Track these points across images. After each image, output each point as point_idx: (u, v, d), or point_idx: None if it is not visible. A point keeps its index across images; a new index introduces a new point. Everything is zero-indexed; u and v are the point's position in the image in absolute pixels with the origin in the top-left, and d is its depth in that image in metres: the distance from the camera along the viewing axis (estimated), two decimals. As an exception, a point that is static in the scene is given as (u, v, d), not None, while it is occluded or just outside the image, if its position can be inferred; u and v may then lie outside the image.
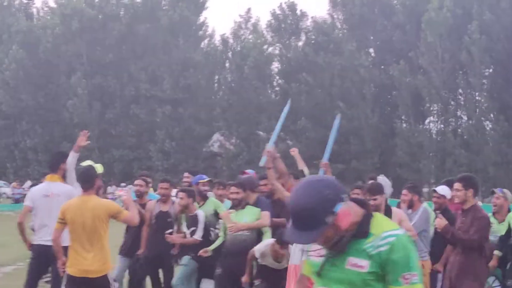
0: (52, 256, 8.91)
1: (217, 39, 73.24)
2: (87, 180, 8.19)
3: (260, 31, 71.02)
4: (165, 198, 11.45)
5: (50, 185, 9.60)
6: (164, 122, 65.55)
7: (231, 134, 65.51)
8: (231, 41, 71.85)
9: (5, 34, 70.82)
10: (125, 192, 9.62)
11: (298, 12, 70.39)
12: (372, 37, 69.90)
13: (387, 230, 3.88)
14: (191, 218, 10.76)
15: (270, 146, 10.15)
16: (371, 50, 70.62)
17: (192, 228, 10.67)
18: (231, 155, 63.98)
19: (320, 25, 68.41)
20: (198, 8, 71.33)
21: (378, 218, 3.96)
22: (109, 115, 67.85)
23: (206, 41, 73.33)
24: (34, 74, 68.00)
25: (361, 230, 3.88)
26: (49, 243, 8.87)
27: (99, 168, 8.79)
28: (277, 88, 69.79)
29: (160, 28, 67.99)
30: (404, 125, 65.34)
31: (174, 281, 10.78)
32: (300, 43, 69.68)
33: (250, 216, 9.93)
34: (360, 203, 3.98)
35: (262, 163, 10.05)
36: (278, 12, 70.24)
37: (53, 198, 9.32)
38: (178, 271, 11.12)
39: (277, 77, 70.37)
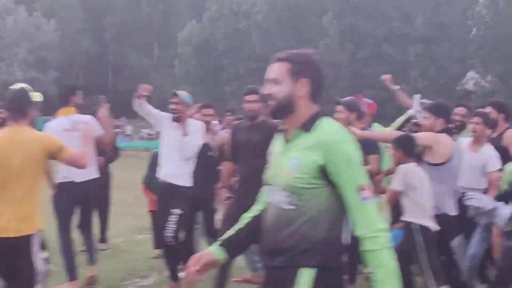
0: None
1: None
2: (17, 106, 5.97)
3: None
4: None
5: (68, 119, 8.28)
6: (416, 61, 64.73)
7: (486, 71, 63.45)
8: (486, -26, 69.22)
9: (257, -23, 72.59)
10: (85, 124, 7.23)
11: None
12: None
13: None
14: None
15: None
16: None
17: None
18: (487, 93, 62.07)
19: None
20: None
21: None
22: (360, 55, 67.98)
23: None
24: (286, 17, 69.24)
25: None
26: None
27: (36, 96, 6.50)
28: (536, 22, 66.79)
29: (413, -37, 66.91)
30: None
31: None
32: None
33: None
34: None
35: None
36: None
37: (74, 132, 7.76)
38: None
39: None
